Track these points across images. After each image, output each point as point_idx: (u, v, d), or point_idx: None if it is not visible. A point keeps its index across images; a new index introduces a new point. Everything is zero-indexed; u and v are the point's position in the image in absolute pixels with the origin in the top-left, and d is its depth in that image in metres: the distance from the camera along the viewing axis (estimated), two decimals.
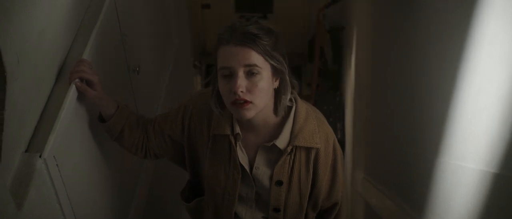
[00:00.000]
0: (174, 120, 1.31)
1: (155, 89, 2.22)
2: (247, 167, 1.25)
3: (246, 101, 1.07)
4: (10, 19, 0.92)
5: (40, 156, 1.00)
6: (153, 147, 1.35)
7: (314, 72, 4.95)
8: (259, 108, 1.11)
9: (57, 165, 1.06)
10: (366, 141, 2.79)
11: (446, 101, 1.36)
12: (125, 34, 1.61)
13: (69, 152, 1.15)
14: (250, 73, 1.07)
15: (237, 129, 1.21)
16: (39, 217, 0.99)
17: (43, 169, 1.01)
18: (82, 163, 1.25)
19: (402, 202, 1.91)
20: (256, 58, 1.06)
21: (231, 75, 1.08)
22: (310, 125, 1.20)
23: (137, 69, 1.74)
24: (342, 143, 3.90)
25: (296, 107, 1.21)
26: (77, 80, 1.16)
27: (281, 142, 1.20)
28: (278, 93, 1.17)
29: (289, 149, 1.19)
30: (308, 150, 1.21)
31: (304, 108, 1.22)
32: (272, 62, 1.09)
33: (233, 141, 1.22)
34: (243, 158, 1.24)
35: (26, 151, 1.02)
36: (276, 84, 1.16)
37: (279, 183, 1.24)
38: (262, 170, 1.25)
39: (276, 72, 1.13)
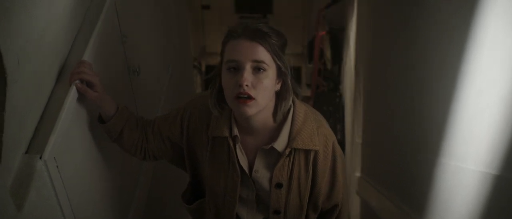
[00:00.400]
0: (173, 122, 1.31)
1: (155, 90, 2.22)
2: (246, 169, 1.25)
3: (249, 97, 1.07)
4: (10, 20, 0.91)
5: (40, 157, 1.00)
6: (152, 149, 1.35)
7: (313, 73, 4.95)
8: (261, 106, 1.11)
9: (57, 166, 1.05)
10: (366, 141, 2.79)
11: (447, 102, 1.36)
12: (125, 35, 1.61)
13: (70, 153, 1.15)
14: (257, 69, 1.08)
15: (235, 131, 1.21)
16: (39, 218, 0.99)
17: (43, 170, 1.01)
18: (82, 164, 1.25)
19: (401, 203, 1.91)
20: (264, 55, 1.08)
21: (237, 69, 1.08)
22: (308, 127, 1.20)
23: (137, 70, 1.74)
24: (342, 144, 3.90)
25: (294, 109, 1.21)
26: (77, 81, 1.16)
27: (280, 144, 1.20)
28: (279, 97, 1.17)
29: (287, 152, 1.19)
30: (307, 152, 1.21)
31: (302, 110, 1.22)
32: (279, 63, 1.11)
33: (231, 144, 1.21)
34: (243, 160, 1.24)
35: (26, 152, 1.01)
36: (278, 87, 1.16)
37: (279, 185, 1.24)
38: (261, 173, 1.25)
39: (280, 74, 1.14)
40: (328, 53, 4.61)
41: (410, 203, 1.80)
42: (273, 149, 1.20)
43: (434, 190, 1.51)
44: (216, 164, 1.27)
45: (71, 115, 1.14)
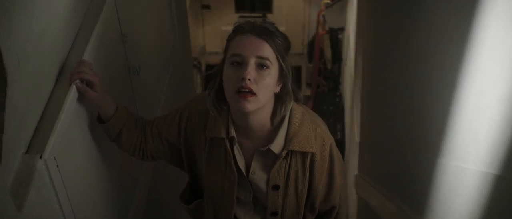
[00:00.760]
0: (171, 123, 1.31)
1: (155, 89, 2.22)
2: (244, 171, 1.25)
3: (250, 92, 1.07)
4: (10, 20, 0.91)
5: (40, 157, 1.00)
6: (150, 149, 1.35)
7: (314, 72, 4.96)
8: (260, 103, 1.11)
9: (57, 166, 1.05)
10: (366, 141, 2.79)
11: (447, 102, 1.36)
12: (126, 35, 1.61)
13: (70, 153, 1.15)
14: (261, 65, 1.09)
15: (232, 132, 1.21)
16: (39, 218, 0.99)
17: (44, 170, 1.01)
18: (82, 164, 1.25)
19: (401, 203, 1.91)
20: (269, 52, 1.09)
21: (241, 64, 1.09)
22: (305, 129, 1.20)
23: (138, 69, 1.74)
24: (342, 143, 3.90)
25: (291, 111, 1.21)
26: (77, 81, 1.16)
27: (276, 146, 1.20)
28: (278, 100, 1.17)
29: (284, 154, 1.19)
30: (303, 154, 1.21)
31: (299, 112, 1.22)
32: (282, 63, 1.12)
33: (228, 145, 1.21)
34: (240, 161, 1.24)
35: (26, 152, 1.01)
36: (278, 89, 1.16)
37: (276, 187, 1.24)
38: (258, 175, 1.25)
39: (281, 76, 1.14)
40: (328, 53, 4.61)
41: (410, 203, 1.80)
42: (269, 150, 1.20)
43: (435, 190, 1.51)
44: (214, 165, 1.27)
45: (71, 114, 1.14)
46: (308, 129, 1.20)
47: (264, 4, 6.74)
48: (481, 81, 1.19)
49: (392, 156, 2.13)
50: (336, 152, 1.25)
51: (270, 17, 6.68)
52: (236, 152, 1.23)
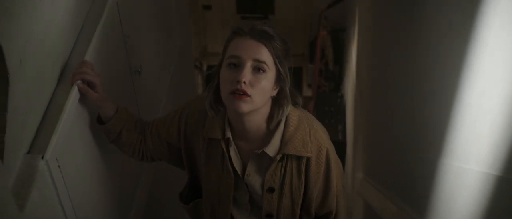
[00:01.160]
0: (171, 124, 1.31)
1: (156, 90, 2.22)
2: (240, 172, 1.25)
3: (245, 94, 1.08)
4: (12, 20, 0.91)
5: (42, 158, 1.00)
6: (150, 150, 1.35)
7: (315, 73, 4.95)
8: (256, 105, 1.11)
9: (59, 166, 1.05)
10: (367, 141, 2.79)
11: (449, 102, 1.36)
12: (127, 35, 1.61)
13: (71, 153, 1.15)
14: (257, 69, 1.09)
15: (228, 134, 1.21)
16: (41, 218, 0.99)
17: (45, 171, 1.01)
18: (84, 164, 1.25)
19: (403, 203, 1.91)
20: (267, 56, 1.09)
21: (238, 66, 1.09)
22: (301, 133, 1.19)
23: (139, 70, 1.74)
24: (343, 144, 3.89)
25: (288, 115, 1.20)
26: (79, 81, 1.16)
27: (271, 149, 1.19)
28: (275, 104, 1.17)
29: (278, 157, 1.19)
30: (299, 158, 1.20)
31: (296, 116, 1.21)
32: (279, 67, 1.11)
33: (224, 146, 1.21)
34: (237, 162, 1.24)
35: (28, 152, 1.01)
36: (274, 93, 1.16)
37: (271, 189, 1.24)
38: (253, 177, 1.25)
39: (278, 80, 1.14)
40: (329, 54, 4.61)
41: (412, 204, 1.80)
42: (264, 153, 1.20)
43: (436, 190, 1.51)
44: (211, 166, 1.27)
45: (73, 115, 1.14)
46: (304, 133, 1.19)
47: (265, 4, 6.74)
48: (483, 81, 1.18)
49: (393, 156, 2.13)
50: (333, 157, 1.24)
51: (271, 18, 6.69)
52: (232, 153, 1.23)
